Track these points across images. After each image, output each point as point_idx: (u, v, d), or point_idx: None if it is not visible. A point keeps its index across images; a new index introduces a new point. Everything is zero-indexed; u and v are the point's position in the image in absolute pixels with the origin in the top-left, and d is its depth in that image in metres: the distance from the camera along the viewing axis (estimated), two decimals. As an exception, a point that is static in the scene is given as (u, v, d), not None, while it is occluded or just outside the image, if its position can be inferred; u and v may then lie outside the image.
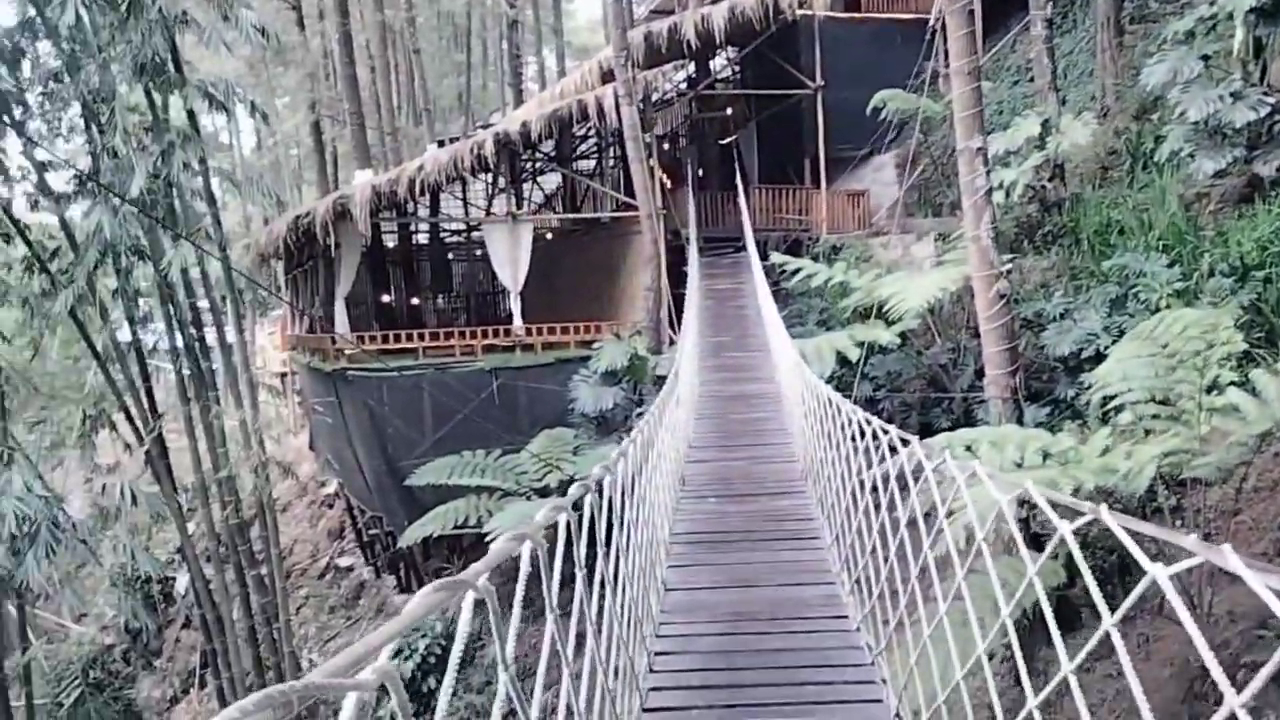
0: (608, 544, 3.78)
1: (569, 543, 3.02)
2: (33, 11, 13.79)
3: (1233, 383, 7.03)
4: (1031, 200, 14.11)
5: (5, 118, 14.32)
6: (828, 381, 12.98)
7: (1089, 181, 14.67)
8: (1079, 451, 7.30)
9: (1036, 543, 9.08)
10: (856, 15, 21.86)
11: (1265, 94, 10.93)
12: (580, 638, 3.19)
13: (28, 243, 14.96)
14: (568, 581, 3.22)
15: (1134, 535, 2.13)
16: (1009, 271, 9.91)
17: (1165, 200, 12.17)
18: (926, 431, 11.93)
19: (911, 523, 4.06)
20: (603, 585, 3.56)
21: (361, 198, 15.95)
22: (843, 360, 12.74)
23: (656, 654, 4.87)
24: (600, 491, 3.99)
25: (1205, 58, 11.42)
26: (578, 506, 3.34)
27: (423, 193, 17.92)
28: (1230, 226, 10.88)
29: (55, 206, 14.85)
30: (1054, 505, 2.60)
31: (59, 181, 15.63)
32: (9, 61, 14.35)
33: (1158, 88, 12.17)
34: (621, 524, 4.31)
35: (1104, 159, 14.78)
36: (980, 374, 10.42)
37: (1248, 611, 7.10)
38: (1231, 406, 6.83)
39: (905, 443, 4.28)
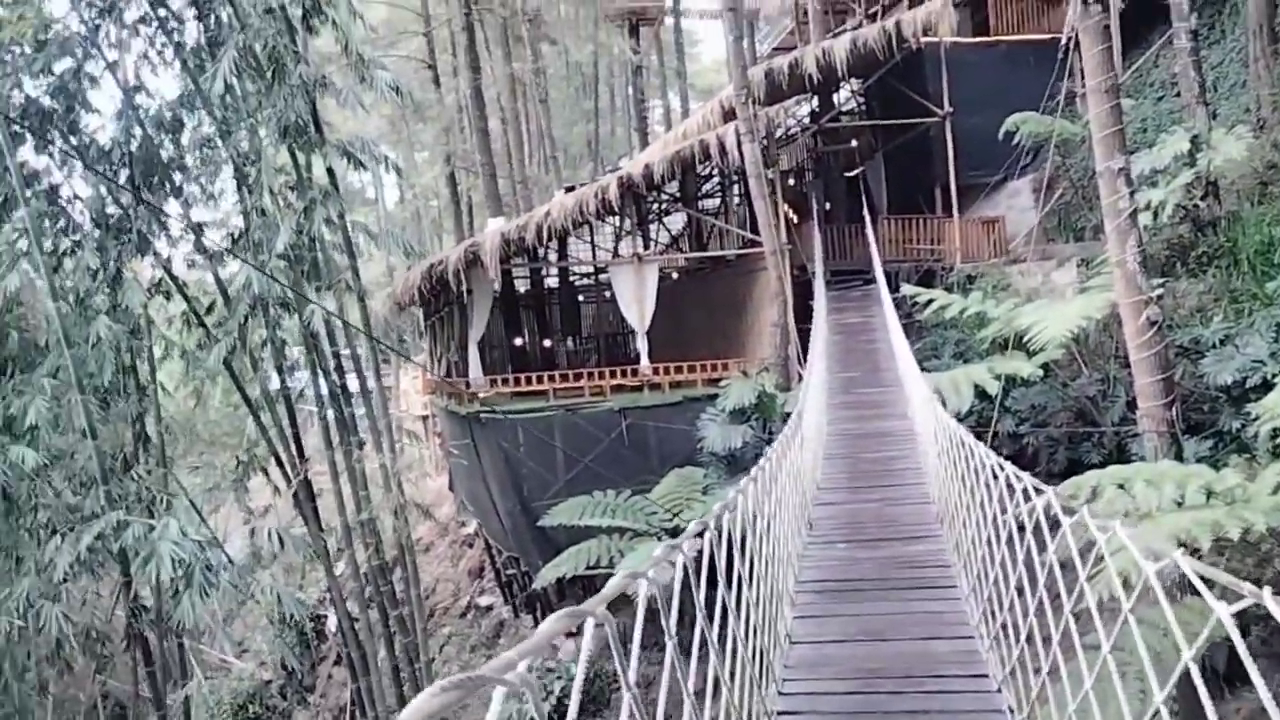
0: (727, 589, 3.68)
1: (686, 585, 3.01)
2: (190, 84, 14.84)
3: None
4: (1183, 220, 13.32)
5: (168, 184, 15.41)
6: (966, 416, 12.64)
7: (1246, 198, 13.75)
8: (1246, 489, 6.77)
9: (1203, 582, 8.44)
10: (985, 39, 21.29)
11: None
12: (698, 695, 3.10)
13: (186, 299, 15.99)
14: (691, 625, 3.24)
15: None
16: (1160, 297, 9.33)
17: (1335, 215, 11.27)
18: (1075, 468, 11.31)
19: (1056, 575, 3.79)
20: (719, 639, 3.47)
21: (491, 244, 16.40)
22: (981, 394, 12.25)
23: (779, 713, 4.69)
24: (720, 531, 3.94)
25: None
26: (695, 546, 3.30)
27: (551, 238, 18.28)
28: None
29: (209, 264, 15.83)
30: (1208, 583, 2.31)
31: (214, 239, 16.68)
32: (171, 131, 15.46)
33: (1320, 95, 11.34)
34: (737, 573, 4.18)
35: (1263, 173, 13.85)
36: (1132, 406, 9.80)
37: None
38: None
39: (1039, 491, 4.02)
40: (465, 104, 27.39)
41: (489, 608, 21.03)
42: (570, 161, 36.25)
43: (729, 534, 4.01)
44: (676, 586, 3.13)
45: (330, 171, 15.54)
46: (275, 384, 16.01)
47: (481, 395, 16.62)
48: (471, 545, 23.35)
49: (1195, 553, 7.80)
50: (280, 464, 15.47)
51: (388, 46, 28.79)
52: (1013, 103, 17.07)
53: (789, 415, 11.38)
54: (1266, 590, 1.89)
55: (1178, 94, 15.64)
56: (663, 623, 2.68)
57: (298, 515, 15.97)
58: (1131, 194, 9.18)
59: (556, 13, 30.41)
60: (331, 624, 21.54)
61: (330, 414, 14.90)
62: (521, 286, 24.85)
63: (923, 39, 18.64)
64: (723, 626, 3.77)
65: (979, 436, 12.41)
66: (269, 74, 14.50)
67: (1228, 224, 13.00)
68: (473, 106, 25.51)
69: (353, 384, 15.86)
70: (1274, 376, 8.69)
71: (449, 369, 19.23)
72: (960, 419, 12.40)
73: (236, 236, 15.92)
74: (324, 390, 15.08)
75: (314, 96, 14.98)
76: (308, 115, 14.79)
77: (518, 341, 23.28)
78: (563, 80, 36.23)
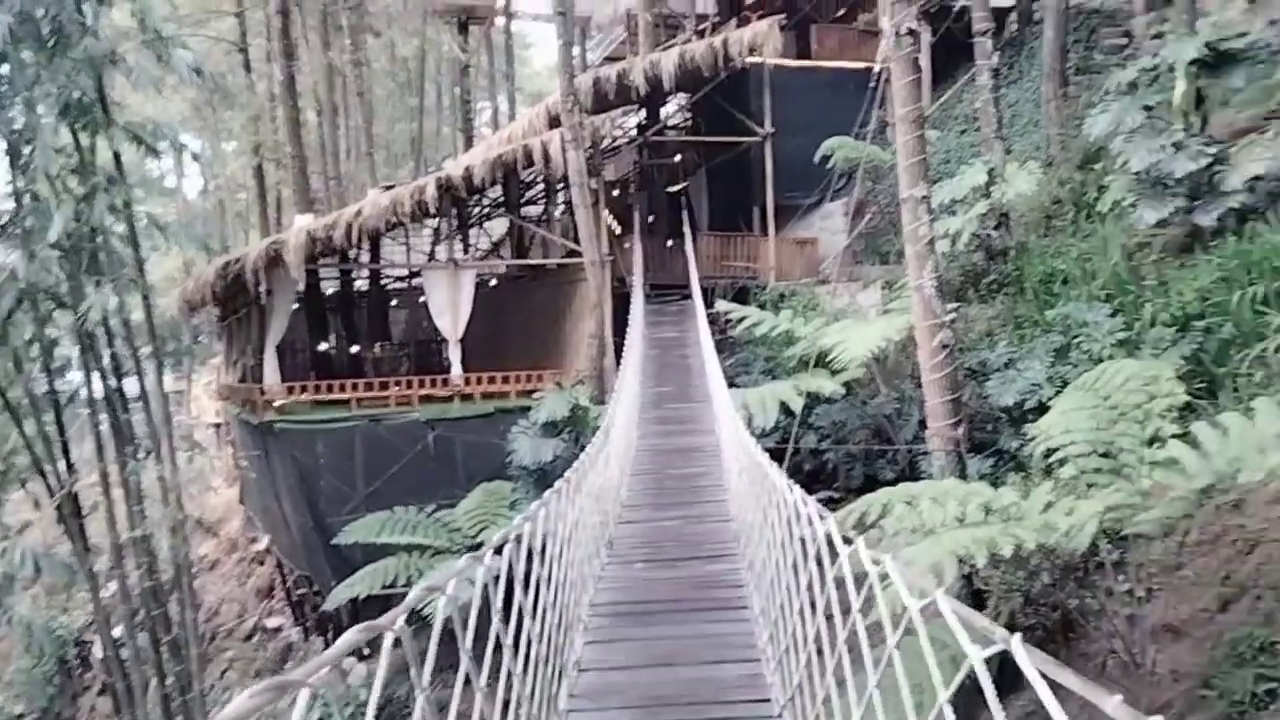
0: (503, 623, 3.43)
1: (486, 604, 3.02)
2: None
3: (1174, 435, 6.81)
4: (977, 249, 14.01)
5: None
6: (772, 432, 12.82)
7: (1034, 230, 14.62)
8: (1021, 507, 7.01)
9: (978, 599, 8.77)
10: (808, 63, 21.94)
11: (1205, 145, 10.91)
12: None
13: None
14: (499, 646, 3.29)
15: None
16: (953, 321, 9.69)
17: (1108, 249, 12.09)
18: (871, 484, 11.65)
19: (833, 601, 3.69)
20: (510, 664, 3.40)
21: (296, 243, 15.48)
22: (787, 410, 12.44)
23: (557, 750, 4.40)
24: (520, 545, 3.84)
25: (1148, 108, 11.42)
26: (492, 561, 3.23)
27: (363, 238, 17.47)
28: (1171, 276, 10.80)
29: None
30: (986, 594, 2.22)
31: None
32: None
33: (1101, 138, 12.17)
34: (518, 603, 3.89)
35: (1048, 208, 14.77)
36: (924, 425, 10.14)
37: (1190, 671, 6.85)
38: (1172, 460, 6.59)
39: (824, 517, 3.91)
40: (278, 93, 25.94)
41: (277, 629, 19.82)
42: (392, 160, 35.07)
43: (526, 552, 3.91)
44: (475, 603, 3.07)
45: (117, 156, 14.27)
46: (42, 386, 14.51)
47: (278, 403, 15.61)
48: (262, 563, 21.98)
49: (973, 569, 8.09)
50: (44, 476, 13.99)
51: (195, 25, 26.90)
52: (831, 127, 17.59)
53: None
54: (1015, 638, 1.86)
55: (978, 129, 16.54)
56: (459, 641, 2.64)
57: (65, 532, 14.47)
58: (931, 222, 9.48)
59: (383, 4, 29.28)
60: (98, 651, 19.72)
61: (105, 421, 13.60)
62: (329, 289, 23.70)
63: (749, 59, 19.00)
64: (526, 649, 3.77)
65: (783, 452, 12.67)
66: (50, 45, 13.19)
67: (1016, 254, 13.77)
68: (285, 96, 24.20)
69: (136, 388, 14.56)
70: (1049, 399, 9.13)
71: (244, 374, 18.02)
72: (766, 434, 12.61)
73: (4, 222, 14.36)
74: (98, 394, 13.76)
75: (101, 73, 13.72)
76: (94, 93, 13.56)
77: (322, 347, 22.14)
78: (387, 75, 35.02)
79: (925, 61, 18.20)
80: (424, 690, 2.17)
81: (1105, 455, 7.18)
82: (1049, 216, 14.71)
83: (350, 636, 1.79)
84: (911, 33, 9.38)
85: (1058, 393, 8.92)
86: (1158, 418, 7.00)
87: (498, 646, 3.32)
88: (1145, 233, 11.73)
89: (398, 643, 2.04)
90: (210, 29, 29.27)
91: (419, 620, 2.81)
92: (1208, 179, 10.82)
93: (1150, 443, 6.92)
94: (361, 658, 13.65)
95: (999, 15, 19.61)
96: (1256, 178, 10.43)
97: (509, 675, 3.47)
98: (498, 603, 3.28)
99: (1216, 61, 10.99)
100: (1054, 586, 8.32)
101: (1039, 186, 13.93)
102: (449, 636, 2.55)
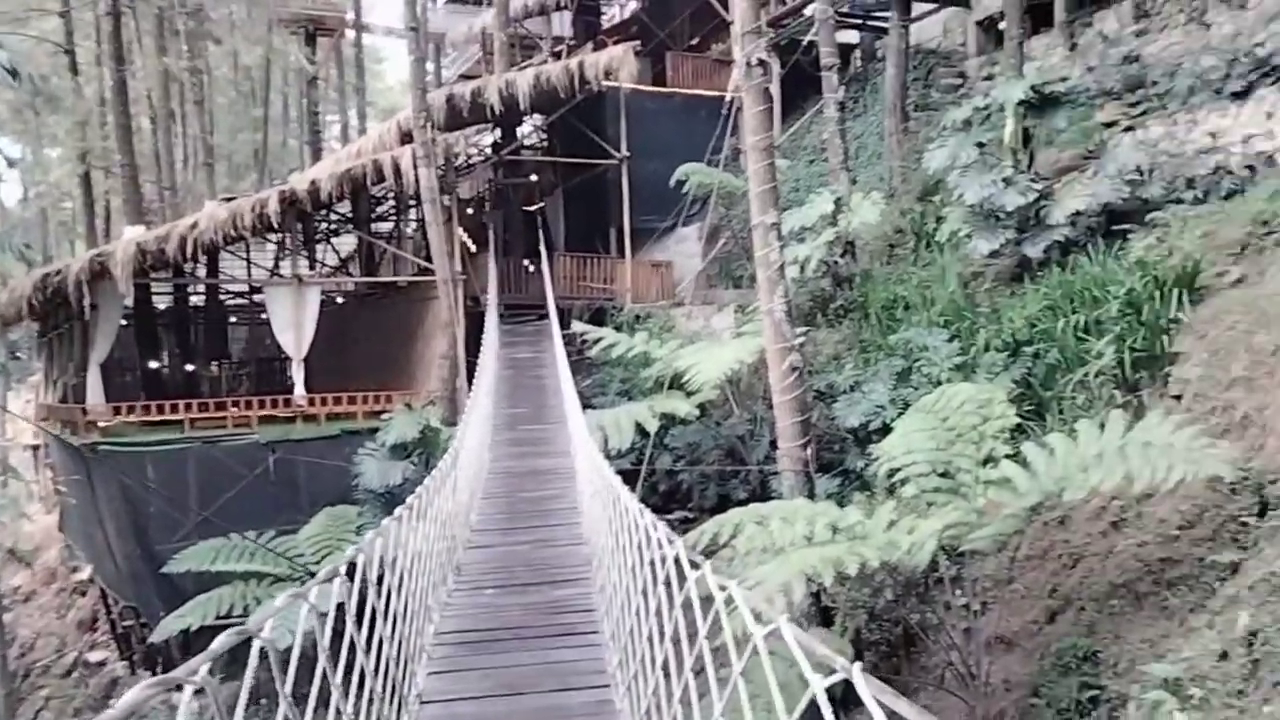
0: (329, 663, 3.20)
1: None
2: None
3: (1006, 455, 7.13)
4: (825, 275, 14.44)
5: None
6: (628, 453, 12.81)
7: (878, 258, 15.19)
8: (866, 526, 7.18)
9: (826, 616, 8.95)
10: (663, 89, 22.27)
11: (1033, 181, 11.58)
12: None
13: None
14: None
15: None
16: (802, 344, 9.93)
17: (946, 278, 12.66)
18: (725, 504, 11.76)
19: (680, 626, 3.62)
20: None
21: (124, 255, 14.52)
22: (644, 431, 12.46)
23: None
24: (352, 577, 3.68)
25: (980, 145, 12.03)
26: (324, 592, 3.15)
27: (199, 252, 16.57)
28: (1003, 304, 11.37)
29: None
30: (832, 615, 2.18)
31: None
32: None
33: (938, 171, 12.73)
34: (349, 636, 3.67)
35: (891, 237, 15.37)
36: (775, 445, 10.31)
37: (1021, 681, 7.15)
38: (1004, 479, 6.90)
39: (672, 541, 3.85)
40: (108, 97, 24.38)
41: (100, 664, 18.39)
42: (234, 171, 33.48)
43: (360, 583, 3.72)
44: (297, 643, 2.91)
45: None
46: None
47: (102, 424, 14.53)
48: (84, 594, 20.37)
49: (821, 587, 8.24)
50: None
51: (13, 23, 25.00)
52: (686, 152, 17.88)
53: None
54: (856, 666, 1.86)
55: (826, 159, 17.11)
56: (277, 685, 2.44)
57: None
58: (782, 248, 9.70)
59: (224, 10, 27.97)
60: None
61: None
62: (162, 304, 22.34)
63: (604, 82, 19.09)
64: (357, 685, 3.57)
65: (636, 474, 12.66)
66: None
67: (862, 280, 14.26)
68: (116, 101, 22.75)
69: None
70: (892, 421, 9.44)
71: (65, 393, 16.74)
72: (622, 455, 12.58)
73: None
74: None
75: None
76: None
77: (154, 365, 20.83)
78: (229, 84, 33.51)
79: (776, 91, 18.74)
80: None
81: (944, 475, 7.45)
82: (892, 245, 15.32)
83: (133, 695, 1.60)
84: (762, 63, 9.61)
85: (900, 414, 9.23)
86: (991, 439, 7.32)
87: (327, 684, 3.10)
88: (979, 262, 12.34)
89: (200, 691, 1.85)
90: (32, 28, 27.31)
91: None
92: (1035, 213, 11.48)
93: (985, 462, 7.22)
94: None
95: (845, 51, 20.41)
96: (1078, 213, 11.14)
97: (338, 714, 3.25)
98: (324, 641, 3.04)
99: (1041, 103, 11.71)
100: (897, 602, 8.57)
101: (882, 216, 14.49)
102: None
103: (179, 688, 1.77)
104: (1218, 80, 12.12)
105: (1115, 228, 11.05)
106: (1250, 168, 11.14)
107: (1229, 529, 6.77)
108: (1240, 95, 11.69)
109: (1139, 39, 14.34)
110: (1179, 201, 11.01)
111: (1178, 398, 8.23)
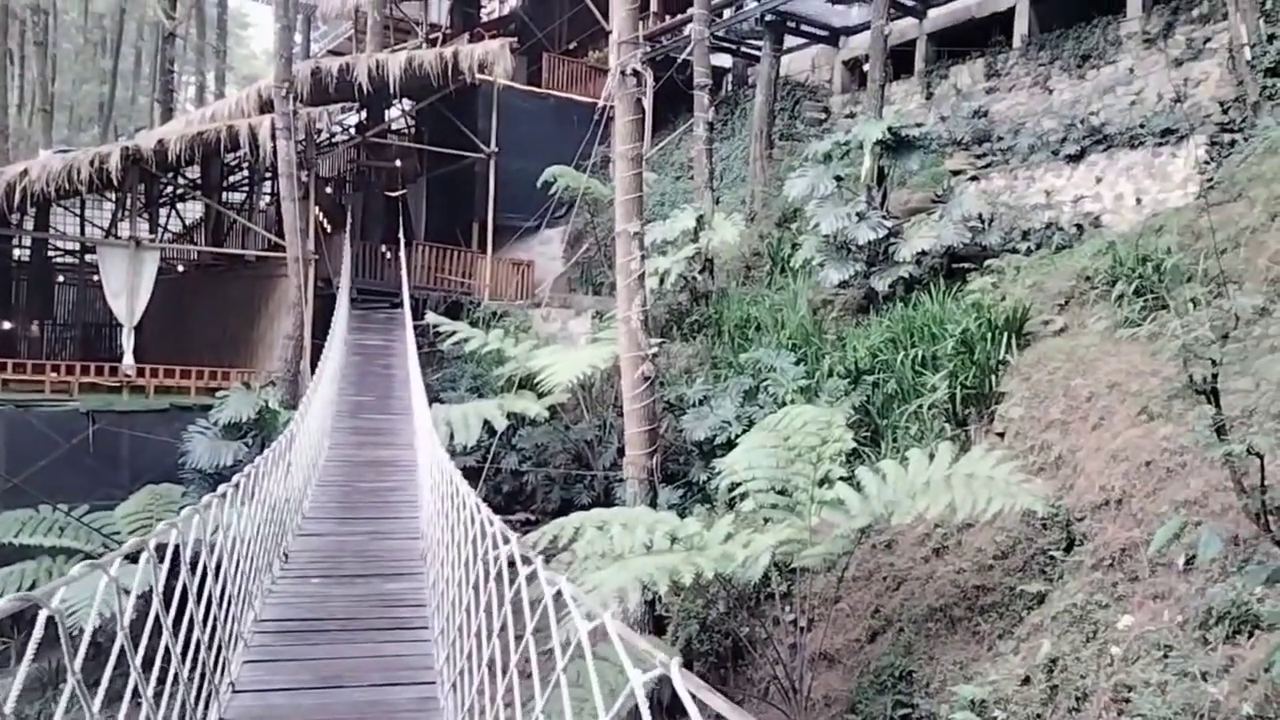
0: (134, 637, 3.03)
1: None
2: None
3: (841, 478, 7.41)
4: (683, 289, 14.67)
5: None
6: (474, 450, 12.64)
7: (735, 277, 15.55)
8: (704, 537, 7.31)
9: (659, 625, 9.08)
10: (537, 89, 22.18)
11: (884, 218, 12.13)
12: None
13: None
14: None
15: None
16: (656, 355, 10.04)
17: (797, 303, 13.09)
18: (568, 507, 11.76)
19: (509, 623, 3.60)
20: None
21: (-63, 199, 13.33)
22: (491, 429, 12.34)
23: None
24: (162, 556, 3.53)
25: (838, 179, 12.51)
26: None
27: (28, 203, 15.40)
28: (849, 333, 11.84)
29: None
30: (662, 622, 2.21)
31: None
32: None
33: (798, 200, 13.15)
34: (155, 614, 3.49)
35: (749, 258, 15.77)
36: (622, 452, 10.40)
37: (840, 696, 7.43)
38: (838, 500, 7.17)
39: (508, 540, 3.83)
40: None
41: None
42: (76, 123, 31.28)
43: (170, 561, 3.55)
44: (92, 618, 2.84)
45: None
46: None
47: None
48: None
49: (657, 595, 8.35)
50: None
51: None
52: (555, 154, 17.88)
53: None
54: (674, 662, 1.90)
55: (692, 177, 17.40)
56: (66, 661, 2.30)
57: None
58: (643, 258, 9.80)
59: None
60: None
61: None
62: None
63: (479, 75, 18.85)
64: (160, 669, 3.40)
65: (481, 472, 12.51)
66: None
67: (718, 298, 14.57)
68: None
69: None
70: (737, 437, 9.68)
71: None
72: (468, 452, 12.42)
73: None
74: None
75: None
76: None
77: (-35, 320, 19.26)
78: (78, 30, 31.32)
79: (649, 104, 18.98)
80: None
81: (782, 492, 7.68)
82: (749, 266, 15.72)
83: None
84: (636, 74, 9.71)
85: (745, 431, 9.47)
86: (829, 460, 7.59)
87: (126, 665, 2.93)
88: (830, 291, 12.82)
89: None
90: None
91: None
92: (884, 249, 12.03)
93: (821, 483, 7.48)
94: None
95: (718, 74, 20.87)
96: (923, 252, 11.73)
97: (136, 696, 3.08)
98: (124, 619, 2.88)
99: (897, 145, 12.29)
100: (728, 615, 8.77)
101: (742, 237, 14.84)
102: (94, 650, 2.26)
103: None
104: (1055, 142, 13.04)
105: (956, 267, 11.70)
106: (1079, 226, 12.03)
107: (1038, 561, 7.25)
108: (1074, 158, 12.62)
109: (989, 95, 15.27)
110: (1014, 251, 11.76)
111: (1001, 434, 8.77)
